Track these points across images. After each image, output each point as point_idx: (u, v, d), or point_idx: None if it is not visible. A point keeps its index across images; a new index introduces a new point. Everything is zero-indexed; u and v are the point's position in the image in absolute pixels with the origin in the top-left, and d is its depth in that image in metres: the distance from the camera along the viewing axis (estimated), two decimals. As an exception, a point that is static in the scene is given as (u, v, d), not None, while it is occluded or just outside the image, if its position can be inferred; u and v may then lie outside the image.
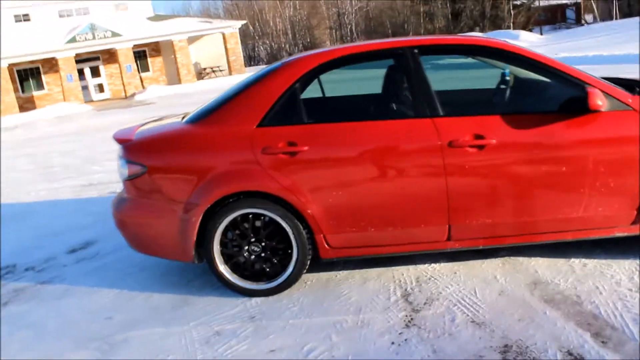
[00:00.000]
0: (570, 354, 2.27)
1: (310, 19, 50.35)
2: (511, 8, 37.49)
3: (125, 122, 14.49)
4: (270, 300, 3.06)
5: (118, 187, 6.69)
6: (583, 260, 3.09)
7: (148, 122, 3.76)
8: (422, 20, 42.49)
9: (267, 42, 50.70)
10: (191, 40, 27.46)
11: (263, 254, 3.06)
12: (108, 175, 7.34)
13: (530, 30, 34.25)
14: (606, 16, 36.94)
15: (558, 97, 2.87)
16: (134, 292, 3.41)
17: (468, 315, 2.67)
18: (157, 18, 28.42)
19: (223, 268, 3.08)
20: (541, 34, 32.28)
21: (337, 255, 3.03)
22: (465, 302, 2.79)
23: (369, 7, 48.20)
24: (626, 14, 35.60)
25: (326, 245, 3.00)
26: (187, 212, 2.99)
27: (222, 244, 3.05)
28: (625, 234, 2.91)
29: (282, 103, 2.98)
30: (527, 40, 26.58)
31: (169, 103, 19.31)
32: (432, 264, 3.26)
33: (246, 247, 3.06)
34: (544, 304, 2.68)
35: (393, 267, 3.27)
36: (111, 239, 4.49)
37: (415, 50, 2.97)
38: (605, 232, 2.92)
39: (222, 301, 3.11)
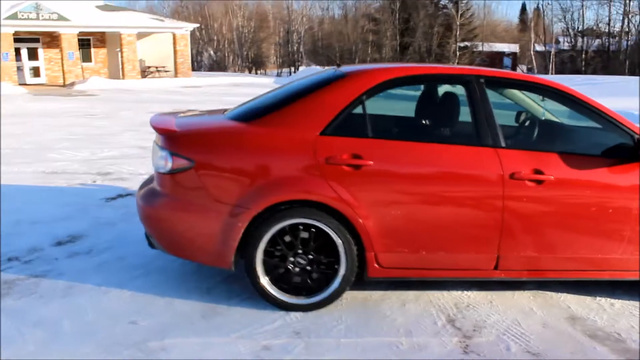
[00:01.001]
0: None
1: (258, 32, 50.26)
2: (457, 49, 39.39)
3: (71, 111, 13.75)
4: (310, 316, 2.94)
5: (88, 179, 6.35)
6: (609, 300, 3.22)
7: (181, 113, 3.57)
8: (369, 49, 43.63)
9: (211, 49, 50.00)
10: (139, 36, 26.54)
11: (308, 267, 2.95)
12: (71, 165, 6.88)
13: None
14: (542, 70, 39.62)
15: (606, 142, 3.01)
16: (151, 295, 3.17)
17: (521, 345, 2.70)
18: (106, 8, 27.27)
19: (264, 279, 2.93)
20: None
21: (385, 275, 2.98)
22: (513, 332, 2.82)
23: (320, 28, 48.85)
24: (559, 71, 38.36)
25: (376, 264, 2.94)
26: (233, 215, 2.83)
27: (266, 253, 2.91)
28: (656, 278, 3.07)
29: (347, 113, 2.92)
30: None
31: (113, 97, 18.47)
32: (465, 291, 3.27)
33: (291, 259, 2.94)
34: (589, 339, 2.76)
35: (427, 292, 3.25)
36: (100, 234, 4.20)
37: (482, 80, 3.02)
38: (638, 275, 3.06)
39: (258, 314, 2.95)
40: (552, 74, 36.54)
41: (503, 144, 2.92)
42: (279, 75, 41.78)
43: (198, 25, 32.48)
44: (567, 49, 41.02)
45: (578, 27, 41.55)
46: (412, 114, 3.29)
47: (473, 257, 2.96)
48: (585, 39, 39.81)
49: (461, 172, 2.89)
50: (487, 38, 47.13)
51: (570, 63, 40.33)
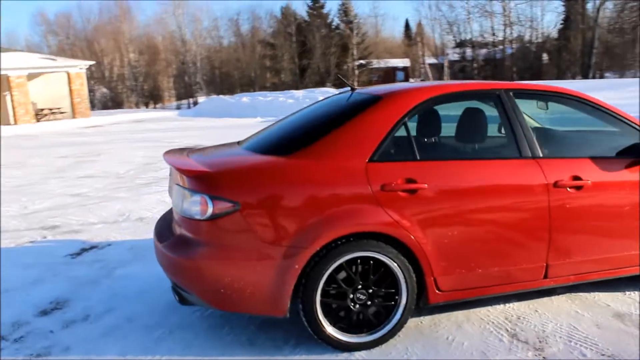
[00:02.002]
0: None
1: (152, 65, 48.75)
2: (355, 67, 40.81)
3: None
4: (375, 353, 2.78)
5: (36, 235, 5.66)
6: (637, 292, 3.36)
7: (188, 150, 3.30)
8: (268, 75, 43.91)
9: (103, 86, 47.72)
10: (30, 77, 24.68)
11: (369, 302, 2.79)
12: (7, 221, 6.12)
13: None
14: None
15: (622, 143, 3.17)
16: (191, 359, 2.84)
17: (592, 349, 2.72)
18: (-13, 50, 25.10)
19: (324, 321, 2.73)
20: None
21: (444, 299, 2.89)
22: (577, 338, 2.84)
23: (217, 57, 48.36)
24: (467, 79, 40.83)
25: (436, 289, 2.85)
26: (288, 257, 2.62)
27: (324, 293, 2.72)
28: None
29: (392, 137, 2.83)
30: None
31: (13, 144, 16.90)
32: (507, 304, 3.27)
33: (351, 296, 2.77)
34: (646, 334, 2.86)
35: (473, 310, 3.21)
36: (87, 296, 3.74)
37: (511, 93, 3.08)
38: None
39: None
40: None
41: (541, 154, 2.98)
42: (178, 107, 40.61)
43: (94, 62, 30.86)
44: (458, 60, 43.86)
45: (465, 38, 44.69)
46: (449, 132, 3.27)
47: (525, 269, 2.97)
48: (473, 49, 42.90)
49: (510, 186, 2.90)
50: (380, 55, 49.42)
51: (462, 72, 43.14)
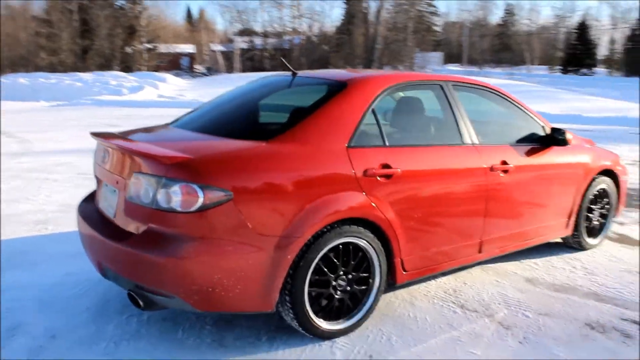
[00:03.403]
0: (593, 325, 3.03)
1: None
2: (144, 51, 38.58)
3: None
4: (355, 338, 2.79)
5: None
6: (532, 260, 3.95)
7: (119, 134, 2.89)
8: (42, 54, 38.85)
9: None
10: None
11: (348, 288, 2.79)
12: None
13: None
14: (229, 68, 41.98)
15: (527, 132, 3.69)
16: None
17: (530, 310, 3.13)
18: None
19: (310, 311, 2.65)
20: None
21: (407, 278, 3.03)
22: (511, 302, 3.24)
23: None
24: (248, 68, 41.29)
25: (402, 269, 2.97)
26: (281, 247, 2.48)
27: (310, 282, 2.64)
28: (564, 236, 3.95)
29: (364, 123, 2.85)
30: (175, 84, 27.79)
31: None
32: (436, 280, 3.54)
33: (334, 283, 2.73)
34: (556, 293, 3.39)
35: (412, 287, 3.41)
36: (39, 317, 2.98)
37: (451, 85, 3.33)
38: (553, 236, 3.89)
39: (311, 353, 2.66)
40: (240, 72, 39.20)
41: (477, 142, 3.30)
42: None
43: None
44: (249, 48, 44.50)
45: (254, 27, 45.64)
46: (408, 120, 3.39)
47: (467, 245, 3.27)
48: (265, 38, 44.00)
49: (460, 169, 3.15)
50: (168, 40, 47.62)
51: (252, 61, 43.85)
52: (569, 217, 3.92)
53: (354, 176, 2.69)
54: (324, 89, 3.01)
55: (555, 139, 3.65)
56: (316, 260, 2.61)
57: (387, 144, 2.91)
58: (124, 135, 2.94)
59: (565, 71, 53.14)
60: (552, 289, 3.46)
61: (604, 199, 4.21)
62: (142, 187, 2.44)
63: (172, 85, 27.29)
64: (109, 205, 2.80)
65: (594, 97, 21.35)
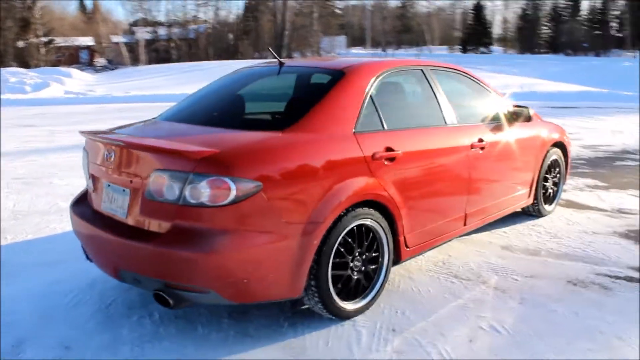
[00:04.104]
0: (575, 282, 3.40)
1: None
2: (41, 45, 36.05)
3: None
4: (370, 315, 2.92)
5: None
6: (501, 229, 4.27)
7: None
8: None
9: None
10: None
11: (363, 268, 2.91)
12: None
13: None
14: (133, 60, 40.22)
15: (498, 111, 3.97)
16: (189, 368, 2.50)
17: (517, 274, 3.41)
18: None
19: (334, 294, 2.75)
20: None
21: (409, 255, 3.19)
22: (498, 269, 3.51)
23: None
24: (154, 60, 39.78)
25: (405, 246, 3.13)
26: (307, 233, 2.55)
27: (332, 265, 2.73)
28: (527, 205, 4.31)
29: (365, 108, 2.96)
30: (81, 79, 26.32)
31: None
32: (425, 255, 3.76)
33: (351, 264, 2.83)
34: (531, 256, 3.72)
35: (405, 263, 3.60)
36: (44, 329, 2.82)
37: (430, 69, 3.52)
38: (520, 206, 4.23)
39: (335, 333, 2.75)
40: (147, 64, 37.77)
41: (456, 122, 3.52)
42: None
43: None
44: (154, 39, 42.88)
45: (156, 17, 44.01)
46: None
47: (455, 219, 3.50)
48: (169, 28, 42.56)
49: (448, 148, 3.36)
50: (65, 33, 44.80)
51: (157, 52, 42.29)
52: (531, 187, 4.28)
53: (364, 160, 2.80)
54: (323, 77, 3.09)
55: (519, 115, 3.96)
56: (337, 244, 2.70)
57: (385, 127, 3.04)
58: (126, 132, 2.85)
59: (464, 50, 56.18)
60: (527, 253, 3.79)
61: (556, 169, 4.62)
62: (166, 184, 2.40)
63: (78, 80, 25.84)
64: (116, 206, 2.71)
65: (498, 74, 22.84)
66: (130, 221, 2.61)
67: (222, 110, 3.12)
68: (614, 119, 10.76)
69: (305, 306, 2.79)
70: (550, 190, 4.61)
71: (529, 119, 3.96)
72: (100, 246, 2.70)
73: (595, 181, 5.91)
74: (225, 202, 2.34)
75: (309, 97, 2.92)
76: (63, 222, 4.61)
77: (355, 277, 2.87)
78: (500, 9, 66.27)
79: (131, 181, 2.59)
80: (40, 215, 4.84)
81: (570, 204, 4.97)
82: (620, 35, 48.14)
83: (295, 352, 2.58)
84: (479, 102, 3.96)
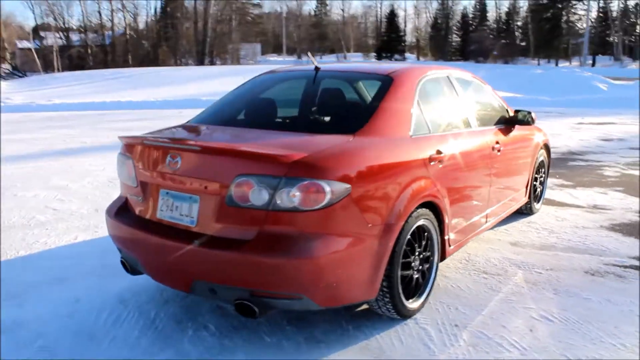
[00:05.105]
0: (591, 272, 3.70)
1: None
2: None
3: None
4: (427, 313, 3.00)
5: None
6: (501, 227, 4.50)
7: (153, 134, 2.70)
8: None
9: None
10: None
11: (421, 267, 2.98)
12: None
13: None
14: (49, 67, 37.81)
15: (503, 114, 4.21)
16: None
17: (536, 268, 3.63)
18: None
19: (402, 293, 2.80)
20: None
21: (451, 253, 3.31)
22: (519, 264, 3.71)
23: None
24: (70, 67, 37.62)
25: (448, 245, 3.24)
26: (385, 235, 2.59)
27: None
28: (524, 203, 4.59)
29: (415, 113, 3.04)
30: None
31: None
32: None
33: (413, 264, 2.90)
34: (541, 250, 3.97)
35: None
36: (92, 349, 2.58)
37: (454, 76, 3.68)
38: (520, 204, 4.50)
39: (408, 330, 2.80)
40: (60, 71, 35.68)
41: (477, 125, 3.71)
42: None
43: None
44: (68, 45, 40.61)
45: (69, 22, 41.75)
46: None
47: (481, 217, 3.67)
48: (82, 34, 40.48)
49: (477, 149, 3.52)
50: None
51: (71, 58, 40.09)
52: (527, 187, 4.56)
53: (423, 162, 2.88)
54: (373, 83, 3.14)
55: (521, 119, 4.22)
56: (404, 244, 2.75)
57: (431, 131, 3.14)
58: (188, 137, 2.73)
59: (379, 57, 58.08)
60: (536, 248, 4.04)
61: (542, 169, 4.96)
62: (253, 189, 2.34)
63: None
64: (180, 214, 2.59)
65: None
66: (201, 229, 2.51)
67: (285, 114, 3.10)
68: (547, 123, 11.60)
69: (361, 308, 2.82)
70: (539, 189, 4.93)
71: (531, 122, 4.24)
72: (166, 257, 2.56)
73: (561, 180, 6.39)
74: (319, 205, 2.33)
75: (366, 102, 2.96)
76: (51, 237, 4.29)
77: (415, 277, 2.93)
78: (412, 18, 69.35)
79: (206, 187, 2.49)
80: (21, 230, 4.47)
81: (550, 202, 5.34)
82: (523, 44, 52.01)
83: (375, 353, 2.60)
84: (489, 106, 4.17)
